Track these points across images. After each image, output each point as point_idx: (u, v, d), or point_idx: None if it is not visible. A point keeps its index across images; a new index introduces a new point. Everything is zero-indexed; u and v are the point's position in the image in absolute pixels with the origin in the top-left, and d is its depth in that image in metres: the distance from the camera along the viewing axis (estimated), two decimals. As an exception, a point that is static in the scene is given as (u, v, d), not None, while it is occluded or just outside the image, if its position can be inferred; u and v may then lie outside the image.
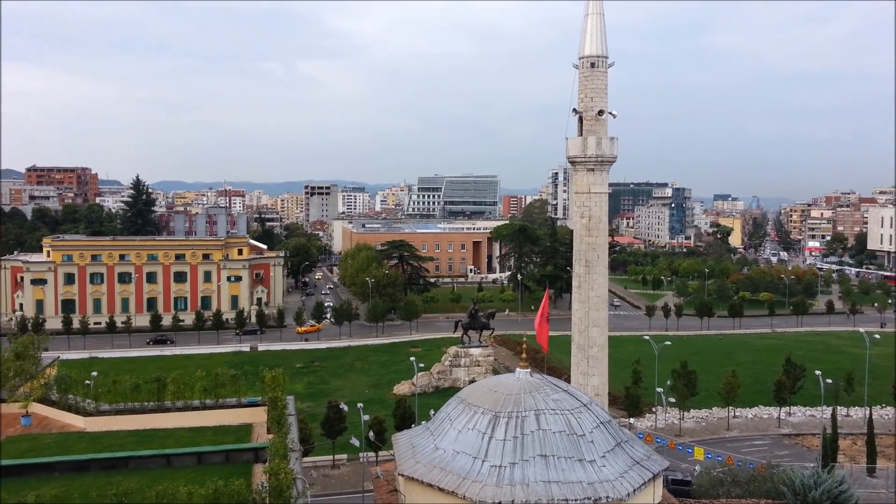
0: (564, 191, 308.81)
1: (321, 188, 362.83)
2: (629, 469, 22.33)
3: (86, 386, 35.47)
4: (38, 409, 32.81)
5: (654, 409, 72.17)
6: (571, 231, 48.99)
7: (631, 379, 70.72)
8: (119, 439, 29.53)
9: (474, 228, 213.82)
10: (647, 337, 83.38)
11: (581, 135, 40.15)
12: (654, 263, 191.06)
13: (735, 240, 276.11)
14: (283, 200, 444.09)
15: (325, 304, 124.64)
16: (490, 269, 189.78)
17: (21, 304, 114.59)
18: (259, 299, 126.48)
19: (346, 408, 59.10)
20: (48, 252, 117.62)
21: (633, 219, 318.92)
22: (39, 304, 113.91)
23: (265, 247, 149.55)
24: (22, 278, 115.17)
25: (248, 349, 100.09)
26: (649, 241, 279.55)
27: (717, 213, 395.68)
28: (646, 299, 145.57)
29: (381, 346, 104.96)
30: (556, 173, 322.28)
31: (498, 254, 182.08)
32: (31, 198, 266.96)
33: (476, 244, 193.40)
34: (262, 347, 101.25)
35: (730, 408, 71.85)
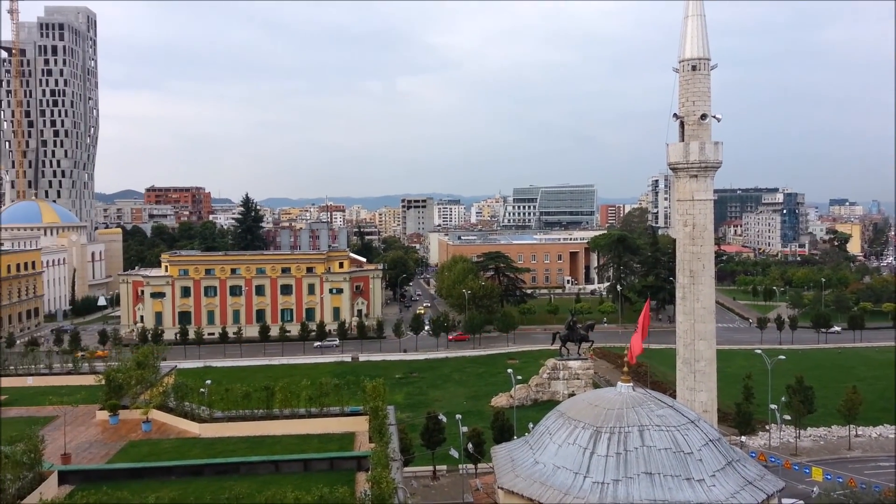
0: (666, 199, 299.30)
1: (417, 201, 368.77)
2: (741, 489, 21.21)
3: (200, 394, 37.38)
4: (157, 415, 34.91)
5: (767, 427, 68.36)
6: (674, 240, 47.34)
7: (742, 395, 67.20)
8: (231, 445, 30.92)
9: (571, 239, 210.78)
10: (758, 350, 79.17)
11: (683, 140, 38.84)
12: (766, 273, 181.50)
13: (854, 247, 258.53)
14: (381, 214, 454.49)
15: (423, 316, 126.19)
16: (588, 280, 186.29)
17: (141, 317, 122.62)
18: (359, 311, 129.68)
19: (444, 419, 59.41)
20: (166, 267, 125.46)
21: (741, 226, 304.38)
22: (158, 316, 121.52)
23: (364, 260, 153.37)
24: (142, 292, 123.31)
25: (349, 359, 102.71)
26: (759, 249, 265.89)
27: (833, 218, 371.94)
28: (757, 311, 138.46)
29: (478, 357, 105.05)
30: (657, 180, 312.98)
31: (596, 264, 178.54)
32: (151, 216, 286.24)
33: (573, 255, 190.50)
34: (362, 358, 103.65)
35: (851, 426, 66.99)
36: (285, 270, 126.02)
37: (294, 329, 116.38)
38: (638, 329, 28.70)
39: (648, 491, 20.59)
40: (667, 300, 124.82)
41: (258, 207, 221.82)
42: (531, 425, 41.95)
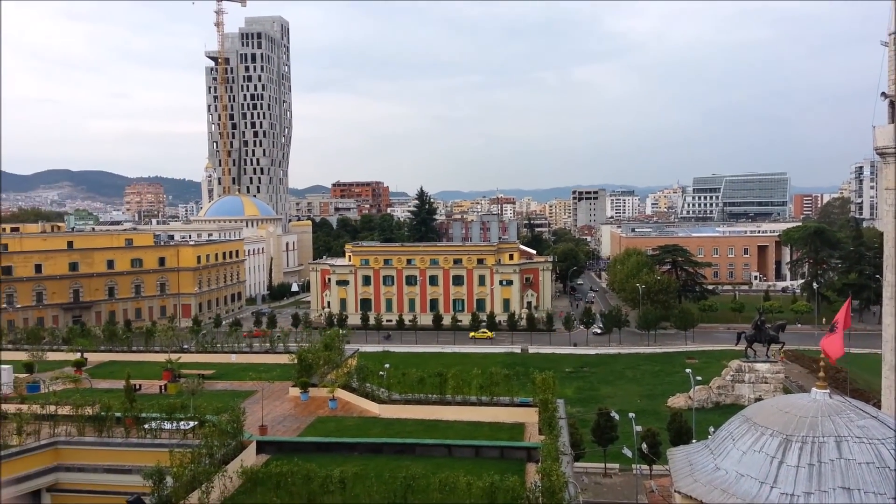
0: (872, 187, 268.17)
1: (589, 193, 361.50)
2: (965, 518, 18.55)
3: (380, 376, 39.50)
4: (341, 394, 37.43)
5: None
6: (881, 233, 42.37)
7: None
8: (407, 427, 32.41)
9: (759, 231, 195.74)
10: None
11: (892, 122, 34.58)
12: None
13: None
14: (551, 206, 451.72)
15: (592, 308, 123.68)
16: (779, 277, 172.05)
17: (328, 302, 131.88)
18: (529, 303, 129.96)
19: (616, 416, 57.88)
20: (349, 257, 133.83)
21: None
22: (342, 303, 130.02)
23: (534, 252, 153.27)
24: (329, 279, 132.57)
25: (518, 350, 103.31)
26: None
27: None
28: None
29: (653, 355, 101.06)
30: (861, 167, 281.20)
31: (788, 259, 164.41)
32: (336, 209, 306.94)
33: (761, 248, 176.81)
34: (532, 350, 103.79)
35: None
36: (457, 262, 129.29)
37: (465, 319, 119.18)
38: (837, 328, 26.01)
39: (847, 509, 18.69)
40: (871, 300, 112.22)
41: (432, 200, 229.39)
42: (712, 429, 39.71)
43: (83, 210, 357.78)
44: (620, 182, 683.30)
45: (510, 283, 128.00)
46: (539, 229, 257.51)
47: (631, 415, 56.29)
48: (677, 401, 74.21)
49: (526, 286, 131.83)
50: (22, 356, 47.91)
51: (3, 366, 40.86)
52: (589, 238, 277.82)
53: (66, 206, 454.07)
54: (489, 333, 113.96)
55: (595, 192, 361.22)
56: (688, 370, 65.57)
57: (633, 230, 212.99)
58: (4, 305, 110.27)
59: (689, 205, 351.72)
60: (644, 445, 52.22)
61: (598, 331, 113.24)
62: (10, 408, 31.79)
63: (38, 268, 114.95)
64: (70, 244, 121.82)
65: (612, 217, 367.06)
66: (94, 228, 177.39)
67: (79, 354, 48.19)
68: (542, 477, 21.14)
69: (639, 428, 53.70)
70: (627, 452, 53.90)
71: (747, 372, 74.21)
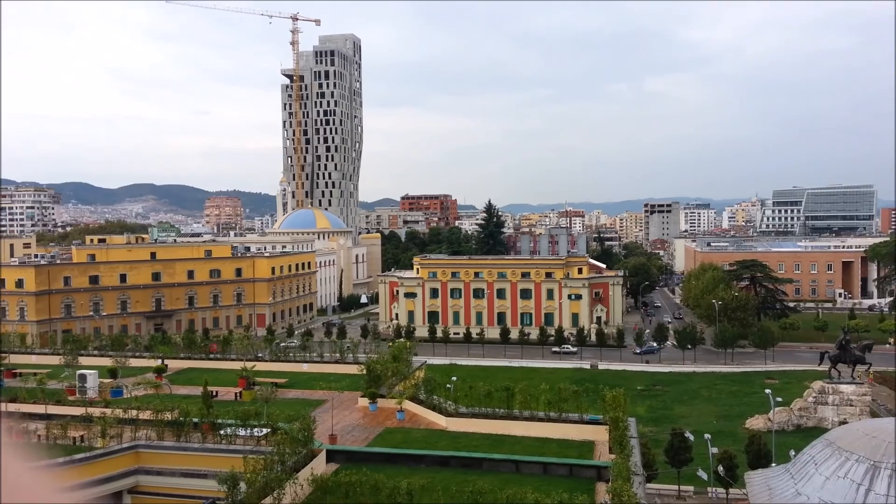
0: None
1: (661, 205, 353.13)
2: None
3: (447, 389, 39.50)
4: (409, 405, 37.62)
5: None
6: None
7: None
8: (474, 440, 32.25)
9: (844, 246, 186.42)
10: None
11: None
12: None
13: None
14: (621, 219, 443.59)
15: (668, 324, 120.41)
16: (865, 294, 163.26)
17: (396, 314, 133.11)
18: (598, 318, 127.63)
19: (691, 437, 56.00)
20: (417, 269, 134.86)
21: None
22: (410, 315, 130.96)
23: (604, 266, 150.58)
24: (397, 291, 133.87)
25: (588, 366, 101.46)
26: None
27: None
28: None
29: (730, 374, 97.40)
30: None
31: (875, 276, 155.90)
32: (405, 222, 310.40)
33: (846, 264, 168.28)
34: (601, 366, 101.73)
35: None
36: (525, 275, 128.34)
37: (533, 333, 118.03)
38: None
39: (946, 545, 17.43)
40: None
41: (500, 213, 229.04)
42: (792, 453, 37.84)
43: (165, 223, 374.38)
44: (694, 194, 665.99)
45: (579, 297, 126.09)
46: (609, 243, 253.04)
47: (707, 436, 54.37)
48: (756, 422, 71.19)
49: (595, 301, 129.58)
50: (107, 362, 50.29)
51: (89, 371, 42.99)
52: (662, 252, 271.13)
53: (150, 219, 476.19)
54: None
55: (668, 205, 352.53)
56: (767, 391, 62.85)
57: (708, 244, 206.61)
58: (91, 313, 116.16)
59: (768, 218, 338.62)
60: (720, 468, 50.28)
61: (654, 346, 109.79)
62: (95, 411, 33.40)
63: (123, 277, 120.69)
64: (153, 255, 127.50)
65: (685, 231, 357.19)
66: (175, 240, 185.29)
67: (160, 361, 50.24)
68: (612, 497, 20.64)
69: (715, 449, 51.79)
70: (703, 475, 52.03)
71: (831, 394, 70.56)
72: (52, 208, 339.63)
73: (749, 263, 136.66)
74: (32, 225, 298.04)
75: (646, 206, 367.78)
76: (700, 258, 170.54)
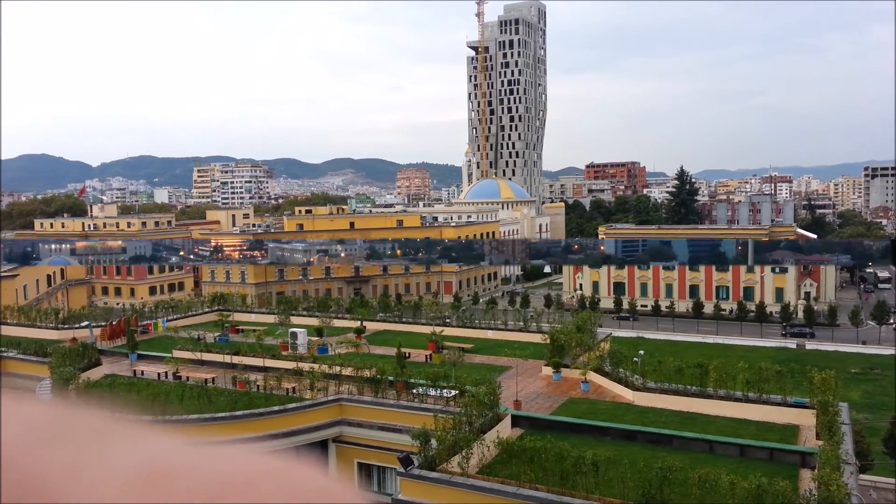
0: None
1: (886, 169, 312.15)
2: None
3: (633, 362, 38.45)
4: (594, 377, 37.18)
5: None
6: None
7: None
8: (663, 417, 31.19)
9: None
10: None
11: None
12: None
13: None
14: (836, 185, 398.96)
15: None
16: None
17: (581, 284, 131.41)
18: (807, 293, 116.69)
19: (916, 428, 49.72)
20: (602, 239, 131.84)
21: None
22: (595, 285, 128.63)
23: (815, 237, 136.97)
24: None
25: (793, 346, 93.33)
26: None
27: None
28: None
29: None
30: None
31: None
32: (590, 191, 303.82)
33: None
34: (809, 346, 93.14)
35: None
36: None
37: (729, 307, 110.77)
38: None
39: None
40: None
41: (693, 180, 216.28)
42: None
43: (362, 194, 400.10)
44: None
45: (785, 270, 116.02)
46: (821, 211, 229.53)
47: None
48: None
49: (804, 275, 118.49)
50: (313, 322, 55.11)
51: (299, 329, 47.44)
52: (885, 222, 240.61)
53: (349, 191, 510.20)
54: None
55: (894, 168, 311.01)
56: None
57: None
58: (300, 277, 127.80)
59: None
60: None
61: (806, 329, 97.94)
62: (305, 366, 36.85)
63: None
64: (352, 224, 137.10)
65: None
66: (370, 210, 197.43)
67: (359, 323, 54.05)
68: (818, 485, 19.02)
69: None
70: (930, 471, 46.10)
71: None
72: (267, 182, 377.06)
73: None
74: (250, 197, 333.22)
75: (866, 169, 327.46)
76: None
